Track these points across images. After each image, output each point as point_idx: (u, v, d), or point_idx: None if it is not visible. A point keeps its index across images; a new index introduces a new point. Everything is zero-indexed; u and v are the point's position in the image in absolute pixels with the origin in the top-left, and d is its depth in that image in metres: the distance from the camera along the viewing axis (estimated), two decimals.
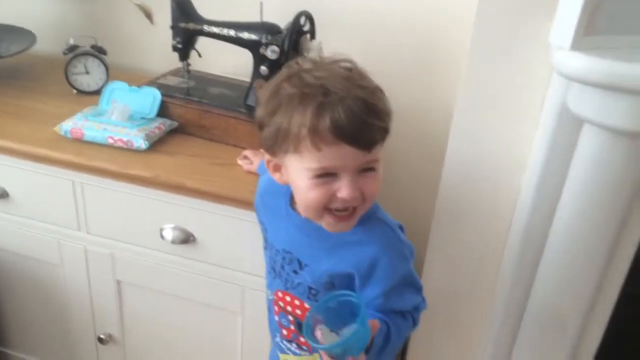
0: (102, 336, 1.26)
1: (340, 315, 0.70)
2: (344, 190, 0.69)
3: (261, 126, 0.74)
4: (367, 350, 0.72)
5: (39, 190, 1.14)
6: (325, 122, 0.66)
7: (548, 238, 1.00)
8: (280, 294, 0.86)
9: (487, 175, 1.05)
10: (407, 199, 1.44)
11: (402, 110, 1.31)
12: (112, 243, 1.15)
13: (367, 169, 0.71)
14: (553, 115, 0.90)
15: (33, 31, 1.37)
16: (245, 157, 1.09)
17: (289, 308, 0.86)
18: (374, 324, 0.73)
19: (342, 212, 0.73)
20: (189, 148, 1.13)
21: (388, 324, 0.77)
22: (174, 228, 1.08)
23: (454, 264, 1.15)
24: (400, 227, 0.83)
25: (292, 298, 0.85)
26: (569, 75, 0.80)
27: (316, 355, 0.86)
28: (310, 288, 0.82)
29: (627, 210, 0.92)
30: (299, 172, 0.72)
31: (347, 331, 0.68)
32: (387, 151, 1.44)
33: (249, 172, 1.06)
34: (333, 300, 0.71)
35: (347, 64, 0.72)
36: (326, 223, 0.75)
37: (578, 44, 0.78)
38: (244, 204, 1.00)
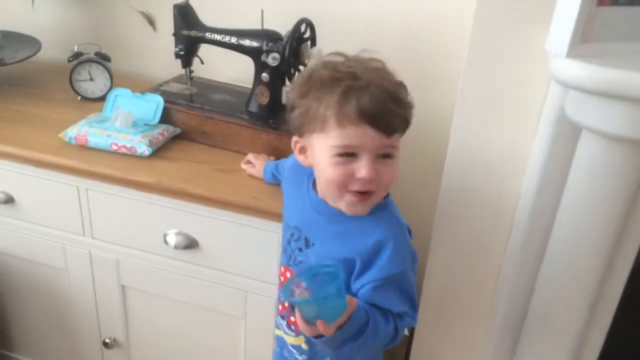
0: (107, 340, 1.27)
1: (323, 287, 0.70)
2: (362, 170, 0.73)
3: (292, 108, 0.79)
4: (340, 327, 0.72)
5: (44, 195, 1.16)
6: (351, 102, 0.71)
7: (549, 242, 1.00)
8: (282, 269, 0.89)
9: (487, 181, 1.05)
10: (408, 203, 1.44)
11: None
12: (116, 248, 1.16)
13: (385, 155, 0.75)
14: (551, 121, 0.91)
15: (38, 38, 1.39)
16: (248, 162, 1.10)
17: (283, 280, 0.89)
18: (352, 300, 0.73)
19: (363, 194, 0.76)
20: (192, 154, 1.14)
21: (368, 315, 0.76)
22: (178, 233, 1.09)
23: (455, 267, 1.15)
24: (409, 231, 0.84)
25: (292, 275, 0.87)
26: (566, 83, 0.81)
27: (301, 337, 0.86)
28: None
29: (626, 215, 0.92)
30: (322, 150, 0.76)
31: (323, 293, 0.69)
32: None
33: (252, 176, 1.08)
34: (317, 269, 0.72)
35: (378, 62, 0.78)
36: (346, 203, 0.78)
37: (574, 52, 0.79)
38: (247, 209, 1.02)
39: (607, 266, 0.98)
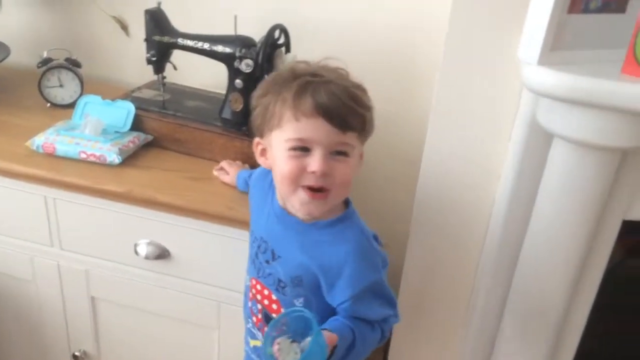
0: (77, 353, 1.24)
1: (302, 327, 0.71)
2: (314, 163, 0.73)
3: (254, 108, 0.81)
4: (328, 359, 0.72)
5: (10, 205, 1.13)
6: (307, 96, 0.72)
7: (523, 245, 1.01)
8: (253, 281, 0.88)
9: (462, 186, 1.05)
10: (386, 207, 1.44)
11: (378, 122, 1.33)
12: (86, 259, 1.13)
13: (340, 152, 0.74)
14: (524, 128, 0.91)
15: (6, 43, 1.36)
16: (221, 169, 1.08)
17: (258, 297, 0.87)
18: (331, 337, 0.72)
19: (318, 192, 0.75)
20: (164, 162, 1.12)
21: (354, 331, 0.76)
22: (149, 243, 1.07)
23: (432, 269, 1.15)
24: (375, 237, 0.83)
25: (262, 287, 0.86)
26: (537, 90, 0.81)
27: None
28: (279, 280, 0.83)
29: (598, 220, 0.93)
30: (278, 145, 0.76)
31: (305, 346, 0.68)
32: (365, 163, 1.45)
33: (225, 184, 1.06)
34: (289, 316, 0.72)
35: (341, 69, 0.79)
36: (299, 202, 0.77)
37: (545, 59, 0.79)
38: (219, 218, 1.00)
39: (580, 269, 0.99)
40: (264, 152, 0.82)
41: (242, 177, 1.02)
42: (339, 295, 0.78)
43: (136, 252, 1.07)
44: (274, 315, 0.85)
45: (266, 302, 0.86)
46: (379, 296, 0.80)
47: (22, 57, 1.44)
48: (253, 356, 0.94)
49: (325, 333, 0.72)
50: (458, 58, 0.94)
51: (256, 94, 0.81)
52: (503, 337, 1.08)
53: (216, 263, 1.05)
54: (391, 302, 0.82)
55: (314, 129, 0.72)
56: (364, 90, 0.77)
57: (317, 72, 0.75)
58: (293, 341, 0.70)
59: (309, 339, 0.69)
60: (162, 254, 1.06)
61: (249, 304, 0.90)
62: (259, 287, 0.86)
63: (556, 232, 0.92)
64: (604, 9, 0.82)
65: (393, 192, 1.41)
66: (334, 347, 0.72)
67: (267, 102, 0.77)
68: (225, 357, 1.15)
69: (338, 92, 0.72)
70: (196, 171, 1.10)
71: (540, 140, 0.90)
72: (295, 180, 0.75)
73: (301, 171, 0.74)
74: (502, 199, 1.00)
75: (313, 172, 0.73)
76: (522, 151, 0.93)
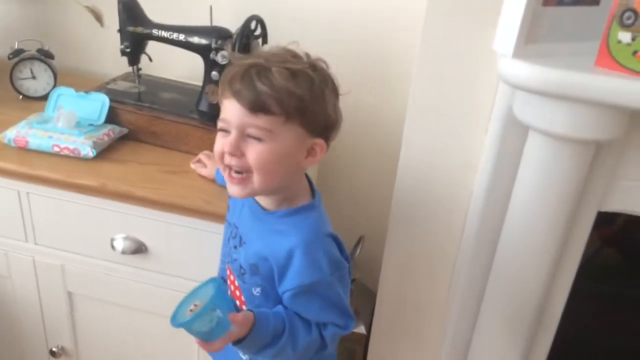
0: (54, 349, 1.22)
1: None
2: (225, 144, 0.74)
3: None
4: (240, 340, 0.73)
5: None
6: (227, 78, 0.74)
7: (500, 238, 1.01)
8: (228, 270, 0.89)
9: (440, 178, 1.05)
10: (365, 203, 1.45)
11: (356, 115, 1.33)
12: (61, 254, 1.12)
13: (253, 136, 0.74)
14: (500, 121, 0.91)
15: None
16: (199, 161, 1.07)
17: (229, 282, 0.89)
18: (247, 314, 0.74)
19: (236, 175, 0.76)
20: (139, 155, 1.10)
21: (285, 322, 0.77)
22: (125, 238, 1.05)
23: (410, 265, 1.16)
24: (334, 238, 0.80)
25: (230, 272, 0.87)
26: (512, 83, 0.81)
27: None
28: (240, 267, 0.83)
29: (573, 212, 0.94)
30: None
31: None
32: (344, 158, 1.45)
33: (202, 177, 1.05)
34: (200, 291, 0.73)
35: (299, 52, 0.77)
36: (226, 182, 0.79)
37: (520, 52, 0.79)
38: (196, 212, 0.99)
39: (557, 260, 1.00)
40: None
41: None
42: (285, 284, 0.78)
43: (113, 247, 1.06)
44: (237, 302, 0.87)
45: (232, 287, 0.88)
46: (322, 298, 0.78)
47: None
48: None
49: (244, 313, 0.74)
50: (434, 50, 0.94)
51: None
52: (481, 330, 1.09)
53: (193, 257, 1.04)
54: (340, 311, 0.79)
55: (230, 110, 0.74)
56: (305, 78, 0.73)
57: (249, 56, 0.75)
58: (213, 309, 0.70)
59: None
60: (138, 249, 1.05)
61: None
62: (228, 272, 0.88)
63: (533, 225, 0.93)
64: (578, 1, 0.82)
65: (375, 187, 1.41)
66: (253, 325, 0.73)
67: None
68: (204, 352, 1.14)
69: (255, 75, 0.71)
70: (173, 164, 1.08)
71: (516, 133, 0.90)
72: (220, 159, 0.77)
73: (221, 151, 0.76)
74: (479, 192, 1.00)
75: (225, 152, 0.75)
76: (498, 144, 0.93)
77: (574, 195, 0.90)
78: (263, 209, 0.82)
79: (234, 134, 0.74)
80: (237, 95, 0.72)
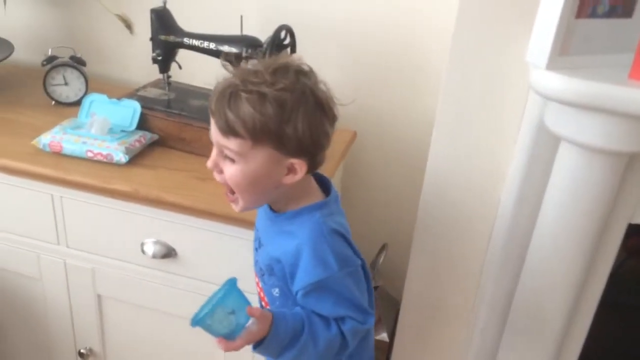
0: (82, 351, 1.25)
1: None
2: (209, 159, 0.79)
3: None
4: (260, 342, 0.74)
5: (17, 204, 1.13)
6: (212, 91, 0.76)
7: (528, 249, 1.01)
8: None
9: (467, 187, 1.06)
10: (389, 210, 1.45)
11: (382, 123, 1.34)
12: (92, 257, 1.14)
13: (227, 157, 0.77)
14: (530, 132, 0.91)
15: (10, 41, 1.36)
16: None
17: (255, 283, 0.91)
18: (264, 314, 0.73)
19: (230, 194, 0.81)
20: (170, 161, 1.12)
21: (303, 319, 0.77)
22: (155, 242, 1.07)
23: (435, 272, 1.16)
24: (341, 234, 0.80)
25: (254, 275, 0.90)
26: (545, 94, 0.81)
27: None
28: (260, 268, 0.86)
29: (604, 224, 0.94)
30: None
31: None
32: (368, 166, 1.45)
33: None
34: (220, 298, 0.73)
35: (304, 67, 0.77)
36: None
37: (553, 64, 0.79)
38: (224, 218, 1.00)
39: (586, 273, 1.00)
40: None
41: None
42: (296, 284, 0.79)
43: (143, 251, 1.08)
44: (262, 302, 0.89)
45: (257, 289, 0.90)
46: (335, 294, 0.78)
47: (25, 54, 1.44)
48: None
49: (263, 310, 0.74)
50: (464, 60, 0.94)
51: None
52: (508, 340, 1.09)
53: (222, 262, 1.06)
54: (355, 306, 0.79)
55: (212, 127, 0.77)
56: (275, 100, 0.71)
57: (242, 72, 0.75)
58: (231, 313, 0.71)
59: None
60: (168, 253, 1.07)
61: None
62: (254, 275, 0.90)
63: (563, 235, 0.93)
64: (610, 13, 0.82)
65: (398, 195, 1.42)
66: (271, 325, 0.74)
67: None
68: (231, 355, 1.16)
69: (227, 99, 0.73)
70: (202, 171, 1.09)
71: (546, 144, 0.90)
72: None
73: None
74: (507, 202, 1.00)
75: None
76: (528, 154, 0.93)
77: (606, 207, 0.89)
78: (273, 211, 0.84)
79: (214, 151, 0.78)
80: (213, 115, 0.76)
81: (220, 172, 0.78)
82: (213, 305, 0.70)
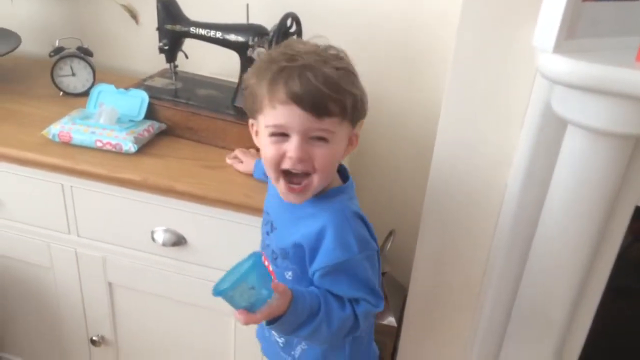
0: (94, 338, 1.26)
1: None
2: (291, 150, 0.74)
3: (244, 89, 0.81)
4: (278, 317, 0.73)
5: (28, 193, 1.14)
6: (280, 83, 0.72)
7: (535, 234, 1.02)
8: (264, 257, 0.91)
9: (474, 174, 1.06)
10: (396, 197, 1.46)
11: (390, 109, 1.34)
12: (103, 246, 1.15)
13: (318, 138, 0.75)
14: (537, 115, 0.92)
15: (18, 32, 1.36)
16: (235, 157, 1.10)
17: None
18: (285, 290, 0.73)
19: (295, 185, 0.77)
20: (178, 150, 1.13)
21: (320, 298, 0.77)
22: (165, 230, 1.08)
23: (442, 259, 1.17)
24: (362, 218, 0.82)
25: (264, 257, 0.88)
26: (552, 78, 0.82)
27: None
28: (273, 251, 0.86)
29: (611, 207, 0.94)
30: (262, 131, 0.78)
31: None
32: (375, 153, 1.46)
33: (239, 172, 1.07)
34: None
35: (333, 50, 0.77)
36: (280, 191, 0.80)
37: (560, 47, 0.80)
38: (234, 206, 1.01)
39: (592, 257, 1.00)
40: (257, 132, 0.83)
41: (261, 166, 1.03)
42: (312, 267, 0.79)
43: (153, 239, 1.09)
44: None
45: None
46: (351, 276, 0.79)
47: (32, 46, 1.44)
48: (258, 328, 0.98)
49: (285, 286, 0.73)
50: (471, 45, 0.95)
51: (246, 75, 0.81)
52: (515, 324, 1.10)
53: (232, 250, 1.06)
54: (369, 289, 0.80)
55: (289, 115, 0.73)
56: (347, 74, 0.75)
57: (295, 54, 0.74)
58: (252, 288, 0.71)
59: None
60: (178, 241, 1.08)
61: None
62: (263, 258, 0.89)
63: (570, 219, 0.93)
64: None
65: (406, 182, 1.42)
66: (291, 301, 0.73)
67: (253, 85, 0.77)
68: (241, 343, 1.17)
69: (312, 78, 0.71)
70: (210, 159, 1.11)
71: (553, 128, 0.90)
72: (277, 164, 0.77)
73: (281, 156, 0.76)
74: (514, 186, 1.01)
75: (290, 158, 0.75)
76: (535, 138, 0.94)
77: (612, 190, 0.90)
78: None
79: (298, 139, 0.74)
80: (300, 102, 0.72)
81: (308, 158, 0.75)
82: (237, 279, 0.69)
